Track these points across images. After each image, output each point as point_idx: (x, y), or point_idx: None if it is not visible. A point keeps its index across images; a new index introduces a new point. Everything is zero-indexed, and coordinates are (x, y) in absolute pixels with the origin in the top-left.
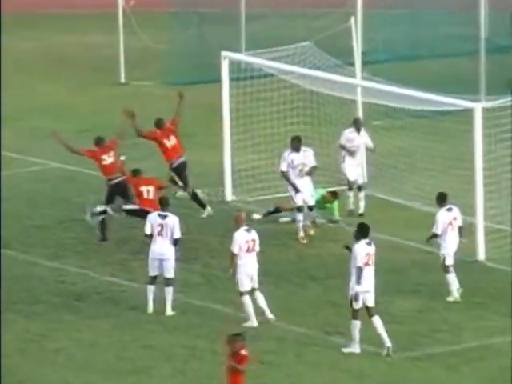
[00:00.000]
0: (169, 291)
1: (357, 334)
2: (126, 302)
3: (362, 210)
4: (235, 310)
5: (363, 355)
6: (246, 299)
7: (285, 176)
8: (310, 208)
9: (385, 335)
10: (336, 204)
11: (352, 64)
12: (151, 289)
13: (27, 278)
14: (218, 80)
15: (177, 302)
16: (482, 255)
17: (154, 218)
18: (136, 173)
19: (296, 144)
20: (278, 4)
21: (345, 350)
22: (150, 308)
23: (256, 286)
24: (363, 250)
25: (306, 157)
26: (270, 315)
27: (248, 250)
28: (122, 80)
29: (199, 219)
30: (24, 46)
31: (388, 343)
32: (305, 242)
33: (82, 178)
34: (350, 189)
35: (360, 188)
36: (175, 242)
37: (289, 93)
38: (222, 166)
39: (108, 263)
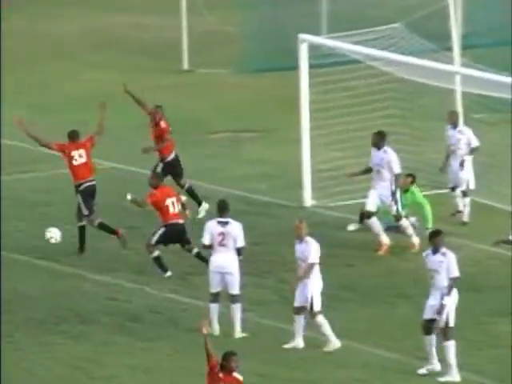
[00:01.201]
0: (236, 309)
1: (452, 359)
2: (188, 323)
3: (466, 218)
4: (313, 332)
5: None
6: None
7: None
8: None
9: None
10: (428, 209)
11: (450, 49)
12: (214, 308)
13: (73, 295)
14: (296, 67)
15: (247, 323)
16: None
17: (213, 225)
18: (159, 180)
19: (375, 140)
20: None
21: (441, 380)
22: (216, 330)
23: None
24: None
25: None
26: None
27: None
28: (185, 67)
29: (272, 226)
30: (66, 28)
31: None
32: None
33: (139, 179)
34: (454, 190)
35: (464, 194)
36: (239, 253)
37: (376, 82)
38: (299, 165)
39: (167, 277)
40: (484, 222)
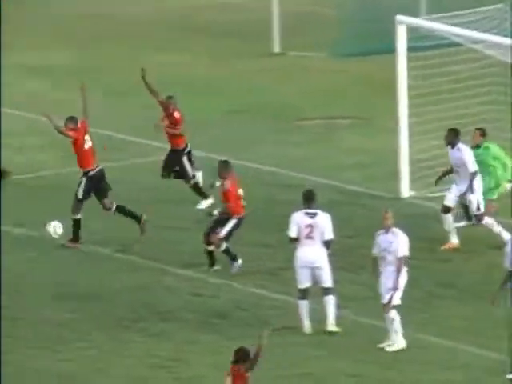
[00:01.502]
0: (329, 301)
1: None
2: (276, 321)
3: None
4: (414, 331)
5: None
6: None
7: None
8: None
9: None
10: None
11: None
12: (304, 304)
13: (154, 290)
14: (393, 50)
15: (341, 320)
16: None
17: (300, 217)
18: (227, 167)
19: (449, 138)
20: None
21: None
22: (307, 327)
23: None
24: None
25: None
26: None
27: None
28: (276, 50)
29: (367, 219)
30: (138, 9)
31: None
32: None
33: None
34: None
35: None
36: (327, 246)
37: (478, 66)
38: (396, 154)
39: (256, 272)
40: None
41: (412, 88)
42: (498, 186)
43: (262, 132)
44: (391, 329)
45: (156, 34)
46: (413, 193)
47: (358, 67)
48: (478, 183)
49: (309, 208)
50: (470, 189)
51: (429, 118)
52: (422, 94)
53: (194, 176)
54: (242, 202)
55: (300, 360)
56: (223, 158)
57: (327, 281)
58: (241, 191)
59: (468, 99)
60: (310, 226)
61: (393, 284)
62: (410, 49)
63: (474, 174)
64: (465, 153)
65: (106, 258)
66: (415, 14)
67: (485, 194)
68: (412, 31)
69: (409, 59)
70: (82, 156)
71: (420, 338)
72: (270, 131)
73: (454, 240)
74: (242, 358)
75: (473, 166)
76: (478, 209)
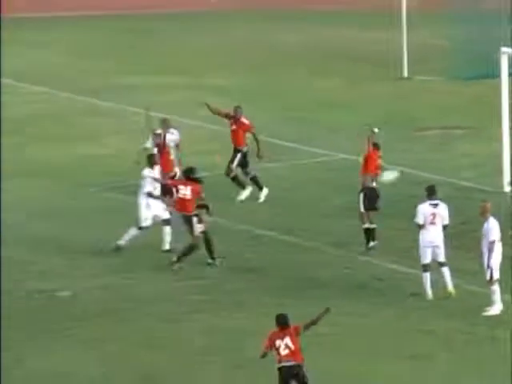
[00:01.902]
0: (445, 271)
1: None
2: (407, 289)
3: None
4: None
5: None
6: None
7: None
8: None
9: None
10: None
11: None
12: (427, 276)
13: (313, 265)
14: (498, 75)
15: (456, 288)
16: None
17: (425, 207)
18: None
19: None
20: None
21: None
22: (429, 294)
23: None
24: None
25: None
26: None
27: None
28: (405, 75)
29: (476, 209)
30: (291, 38)
31: None
32: None
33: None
34: None
35: None
36: (444, 229)
37: None
38: (500, 157)
39: (391, 251)
40: None
41: None
42: None
43: (391, 140)
44: (494, 297)
45: (304, 60)
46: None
47: (471, 89)
48: None
49: (431, 199)
50: None
51: None
52: None
53: (232, 170)
54: None
55: (421, 320)
56: None
57: (442, 256)
58: None
59: None
60: (434, 214)
61: (490, 264)
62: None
63: None
64: None
65: (274, 240)
66: None
67: None
68: None
69: (510, 83)
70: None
71: None
72: (398, 139)
73: None
74: (284, 321)
75: None
76: None
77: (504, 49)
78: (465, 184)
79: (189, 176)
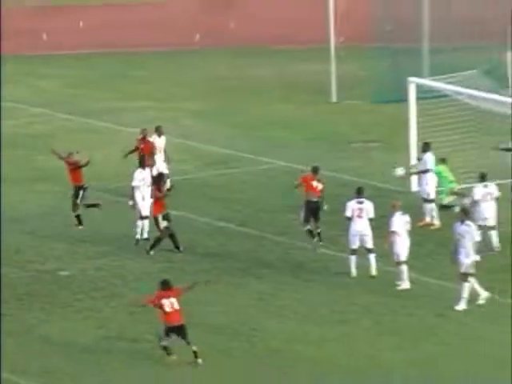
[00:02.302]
0: (372, 257)
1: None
2: (335, 269)
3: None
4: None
5: None
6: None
7: None
8: None
9: None
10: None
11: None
12: (353, 258)
13: (261, 250)
14: (406, 99)
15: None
16: None
17: (352, 204)
18: None
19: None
20: (452, 39)
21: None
22: (353, 273)
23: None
24: None
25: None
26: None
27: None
28: (334, 100)
29: None
30: (254, 71)
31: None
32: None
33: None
34: None
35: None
36: (370, 221)
37: (455, 110)
38: (407, 162)
39: (322, 239)
40: None
41: (420, 122)
42: None
43: (324, 151)
44: (402, 276)
45: (267, 89)
46: None
47: (387, 110)
48: None
49: (359, 198)
50: None
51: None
52: (425, 126)
53: None
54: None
55: (348, 294)
56: None
57: (371, 244)
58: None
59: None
60: (360, 208)
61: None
62: (418, 98)
63: None
64: None
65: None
66: (421, 75)
67: None
68: (419, 87)
69: (418, 105)
70: None
71: None
72: (329, 151)
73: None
74: (167, 285)
75: None
76: None
77: (411, 79)
78: (381, 186)
79: (156, 182)
